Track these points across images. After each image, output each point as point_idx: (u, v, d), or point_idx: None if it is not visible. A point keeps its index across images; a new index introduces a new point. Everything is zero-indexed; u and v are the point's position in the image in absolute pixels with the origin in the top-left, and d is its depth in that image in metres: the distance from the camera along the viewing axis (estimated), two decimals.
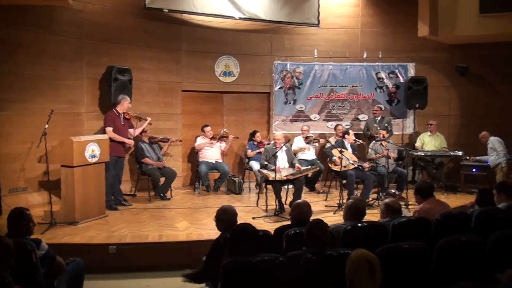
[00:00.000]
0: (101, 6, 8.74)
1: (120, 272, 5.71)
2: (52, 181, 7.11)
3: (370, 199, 8.35)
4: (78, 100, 8.47)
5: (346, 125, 10.59)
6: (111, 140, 7.55)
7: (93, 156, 6.94)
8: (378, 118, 10.10)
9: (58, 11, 8.10)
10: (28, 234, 4.02)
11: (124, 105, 7.97)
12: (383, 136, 9.02)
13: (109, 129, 7.76)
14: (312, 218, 4.29)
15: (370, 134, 9.93)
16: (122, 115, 7.98)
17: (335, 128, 10.13)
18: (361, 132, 10.42)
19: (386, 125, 9.75)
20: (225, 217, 4.30)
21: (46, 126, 6.61)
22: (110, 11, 8.89)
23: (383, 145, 8.81)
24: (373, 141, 9.24)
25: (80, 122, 8.51)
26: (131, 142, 8.17)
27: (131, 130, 8.17)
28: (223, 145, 9.60)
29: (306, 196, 8.82)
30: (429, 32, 10.13)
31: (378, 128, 9.64)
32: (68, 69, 8.30)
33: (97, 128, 8.59)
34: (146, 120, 8.46)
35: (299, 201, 4.80)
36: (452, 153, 9.50)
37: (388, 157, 8.66)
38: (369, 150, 9.07)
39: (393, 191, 8.90)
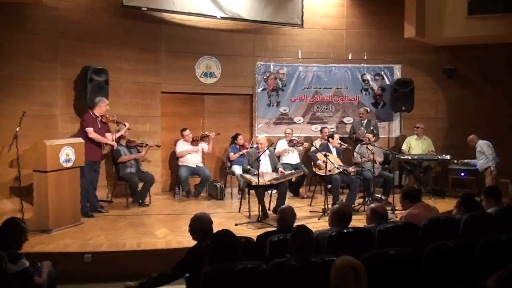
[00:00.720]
0: (76, 3, 8.65)
1: (96, 282, 5.65)
2: (24, 187, 7.02)
3: (355, 204, 8.39)
4: (52, 102, 8.37)
5: (331, 128, 10.63)
6: (88, 142, 7.48)
7: (67, 161, 6.86)
8: (365, 121, 10.16)
9: (30, 9, 7.99)
10: (14, 248, 3.94)
11: (102, 108, 7.89)
12: (369, 140, 9.07)
13: (90, 129, 7.67)
14: (296, 224, 4.29)
15: (356, 137, 9.97)
16: (100, 118, 7.91)
17: (321, 131, 10.15)
18: (347, 135, 10.48)
19: (372, 128, 9.80)
20: (199, 226, 4.28)
21: (18, 129, 6.52)
22: (85, 9, 8.80)
23: (369, 149, 8.85)
24: (359, 145, 9.28)
25: (54, 125, 8.41)
26: (114, 143, 8.14)
27: (108, 135, 8.10)
28: (205, 146, 9.56)
29: (290, 201, 8.82)
30: (415, 34, 10.22)
31: (365, 131, 9.70)
32: (41, 69, 8.19)
33: (72, 131, 8.49)
34: (125, 125, 8.38)
35: (283, 206, 4.82)
36: (439, 157, 9.60)
37: (374, 161, 8.71)
38: (355, 153, 9.11)
39: (379, 196, 8.95)
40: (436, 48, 10.87)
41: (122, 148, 8.59)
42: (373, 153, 8.68)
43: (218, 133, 9.81)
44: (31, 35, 8.05)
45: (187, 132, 9.46)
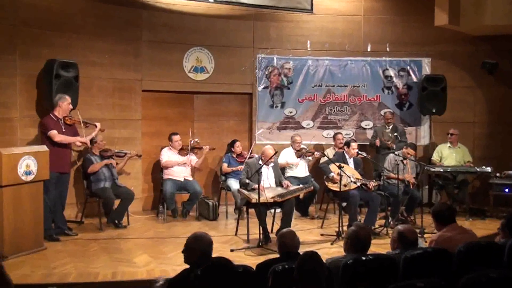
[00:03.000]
0: None
1: None
2: None
3: (376, 226, 8.35)
4: (8, 102, 8.34)
5: (347, 134, 10.61)
6: (53, 150, 7.44)
7: (28, 173, 6.84)
8: (390, 127, 10.12)
9: None
10: None
11: (63, 107, 7.87)
12: (410, 156, 8.96)
13: (54, 132, 7.65)
14: (304, 249, 4.27)
15: (381, 141, 9.89)
16: (62, 120, 7.89)
17: (334, 138, 10.13)
18: (367, 143, 10.45)
19: (396, 134, 9.76)
20: (197, 247, 4.22)
21: None
22: None
23: (404, 164, 8.76)
24: (393, 154, 9.17)
25: (12, 130, 8.39)
26: (86, 140, 8.14)
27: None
28: (193, 158, 9.55)
29: (297, 223, 8.85)
30: (448, 21, 10.23)
31: (391, 135, 9.66)
32: None
33: (35, 138, 8.46)
34: (95, 126, 8.36)
35: (282, 231, 4.81)
36: (478, 169, 9.56)
37: (408, 182, 8.72)
38: (386, 164, 9.05)
39: (405, 215, 8.91)
40: (474, 38, 10.87)
41: (95, 158, 8.59)
42: (404, 169, 8.61)
43: (213, 148, 9.83)
44: None
45: (177, 137, 9.48)
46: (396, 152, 9.18)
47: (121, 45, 9.64)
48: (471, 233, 5.31)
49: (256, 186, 7.59)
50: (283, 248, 4.58)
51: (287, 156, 9.75)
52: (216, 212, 9.30)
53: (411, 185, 8.90)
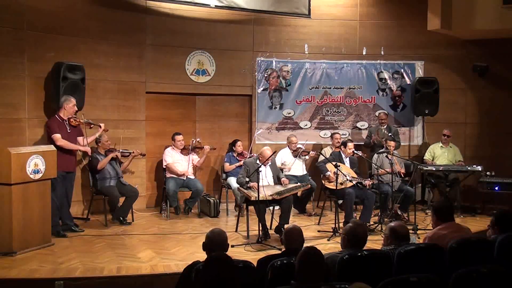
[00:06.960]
0: None
1: None
2: None
3: (371, 222, 8.36)
4: (17, 103, 8.33)
5: (343, 135, 10.60)
6: (59, 150, 7.43)
7: (36, 172, 6.83)
8: (384, 127, 10.13)
9: None
10: None
11: (68, 109, 7.85)
12: (392, 148, 8.97)
13: (58, 136, 7.63)
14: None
15: (373, 140, 9.91)
16: (67, 121, 7.88)
17: (331, 137, 10.12)
18: (362, 143, 10.45)
19: (390, 135, 9.76)
20: (216, 242, 4.30)
21: None
22: None
23: (388, 158, 8.78)
24: (376, 154, 9.22)
25: (20, 130, 8.37)
26: (87, 149, 8.11)
27: (79, 139, 8.09)
28: (195, 158, 9.55)
29: (295, 219, 8.82)
30: (440, 25, 10.23)
31: (386, 133, 9.66)
32: (4, 65, 8.15)
33: (42, 138, 8.45)
34: (99, 126, 8.35)
35: (289, 226, 4.78)
36: (469, 168, 9.55)
37: (397, 173, 8.69)
38: (373, 165, 9.06)
39: (399, 212, 8.91)
40: (465, 42, 10.87)
41: (101, 157, 8.58)
42: (392, 164, 8.60)
43: (214, 148, 9.83)
44: None
45: (180, 137, 9.47)
46: (379, 151, 9.22)
47: (125, 49, 9.63)
48: (467, 230, 5.26)
49: (252, 184, 7.65)
50: (289, 244, 4.56)
51: (284, 156, 9.74)
52: (217, 209, 9.29)
53: (401, 175, 8.92)
